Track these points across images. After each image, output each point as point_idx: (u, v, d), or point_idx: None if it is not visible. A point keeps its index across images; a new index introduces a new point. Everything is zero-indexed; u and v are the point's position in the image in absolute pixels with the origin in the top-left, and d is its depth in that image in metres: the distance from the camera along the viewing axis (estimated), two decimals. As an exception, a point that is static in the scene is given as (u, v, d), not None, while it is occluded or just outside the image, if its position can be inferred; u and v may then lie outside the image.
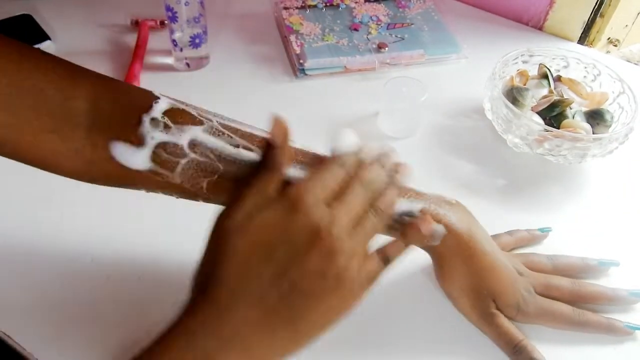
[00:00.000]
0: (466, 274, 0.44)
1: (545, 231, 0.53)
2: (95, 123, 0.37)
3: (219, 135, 0.38)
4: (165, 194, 0.40)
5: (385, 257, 0.37)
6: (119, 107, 0.38)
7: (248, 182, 0.35)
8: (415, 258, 0.45)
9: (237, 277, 0.32)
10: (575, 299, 0.46)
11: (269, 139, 0.36)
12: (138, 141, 0.37)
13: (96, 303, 0.46)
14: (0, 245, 0.49)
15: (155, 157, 0.37)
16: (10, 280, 0.47)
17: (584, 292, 0.47)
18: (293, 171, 0.38)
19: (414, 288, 0.48)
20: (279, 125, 0.36)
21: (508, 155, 0.62)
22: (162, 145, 0.37)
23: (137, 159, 0.37)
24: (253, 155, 0.38)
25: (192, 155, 0.37)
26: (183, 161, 0.37)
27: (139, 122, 0.37)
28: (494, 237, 0.51)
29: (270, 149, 0.36)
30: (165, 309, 0.47)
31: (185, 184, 0.38)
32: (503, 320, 0.44)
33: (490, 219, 0.54)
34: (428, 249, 0.45)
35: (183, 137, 0.37)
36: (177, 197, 0.40)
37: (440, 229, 0.40)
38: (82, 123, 0.37)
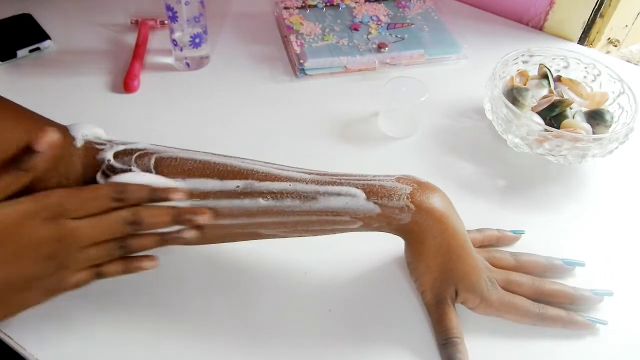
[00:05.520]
0: (436, 251, 0.44)
1: (517, 233, 0.52)
2: None
3: None
4: None
5: (100, 272, 0.40)
6: None
7: None
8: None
9: None
10: (536, 296, 0.46)
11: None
12: None
13: (97, 303, 0.46)
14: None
15: None
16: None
17: (545, 289, 0.47)
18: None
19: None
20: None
21: (508, 155, 0.62)
22: None
23: None
24: None
25: None
26: None
27: None
28: None
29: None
30: (165, 307, 0.47)
31: None
32: (451, 311, 0.45)
33: (490, 219, 0.54)
34: (401, 228, 0.44)
35: None
36: None
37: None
38: None
